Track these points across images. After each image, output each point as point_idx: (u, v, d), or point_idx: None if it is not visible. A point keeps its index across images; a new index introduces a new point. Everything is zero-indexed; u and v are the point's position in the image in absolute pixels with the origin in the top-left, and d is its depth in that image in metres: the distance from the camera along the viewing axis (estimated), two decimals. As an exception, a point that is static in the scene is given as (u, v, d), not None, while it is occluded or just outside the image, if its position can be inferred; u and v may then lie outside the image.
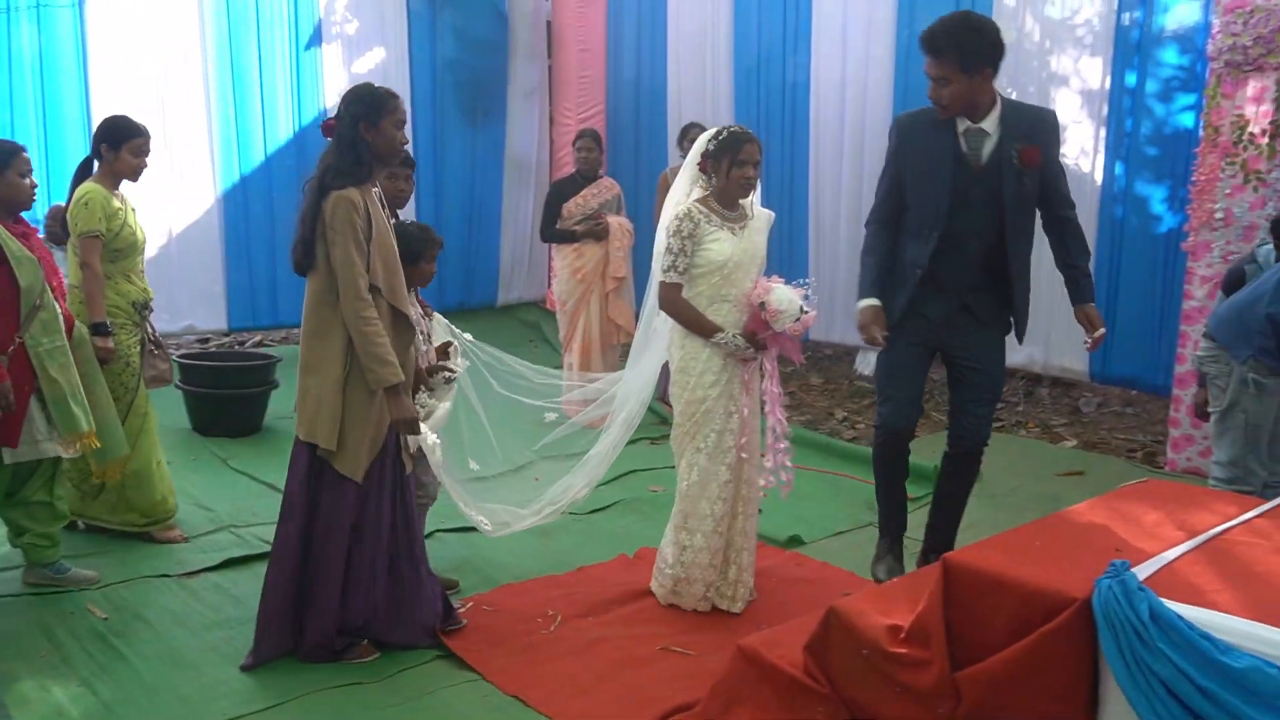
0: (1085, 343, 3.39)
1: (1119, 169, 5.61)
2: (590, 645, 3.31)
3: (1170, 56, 5.36)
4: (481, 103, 8.10)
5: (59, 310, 3.54)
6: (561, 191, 5.91)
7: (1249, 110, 4.55)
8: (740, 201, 3.57)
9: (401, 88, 7.66)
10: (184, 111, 6.86)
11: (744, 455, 3.55)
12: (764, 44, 7.19)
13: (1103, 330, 3.34)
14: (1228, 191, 4.66)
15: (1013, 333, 3.52)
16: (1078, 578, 2.34)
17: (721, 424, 3.51)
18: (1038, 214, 3.42)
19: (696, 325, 3.49)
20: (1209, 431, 3.77)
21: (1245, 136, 4.55)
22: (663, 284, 3.51)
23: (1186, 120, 5.30)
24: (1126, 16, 5.51)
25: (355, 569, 3.19)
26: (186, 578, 3.80)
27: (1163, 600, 2.17)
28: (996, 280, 3.39)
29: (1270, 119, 4.50)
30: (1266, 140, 4.50)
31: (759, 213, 3.63)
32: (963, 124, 3.28)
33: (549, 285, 8.38)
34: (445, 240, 8.43)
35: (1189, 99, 5.28)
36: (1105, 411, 5.99)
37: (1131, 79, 5.50)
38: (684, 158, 6.14)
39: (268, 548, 3.97)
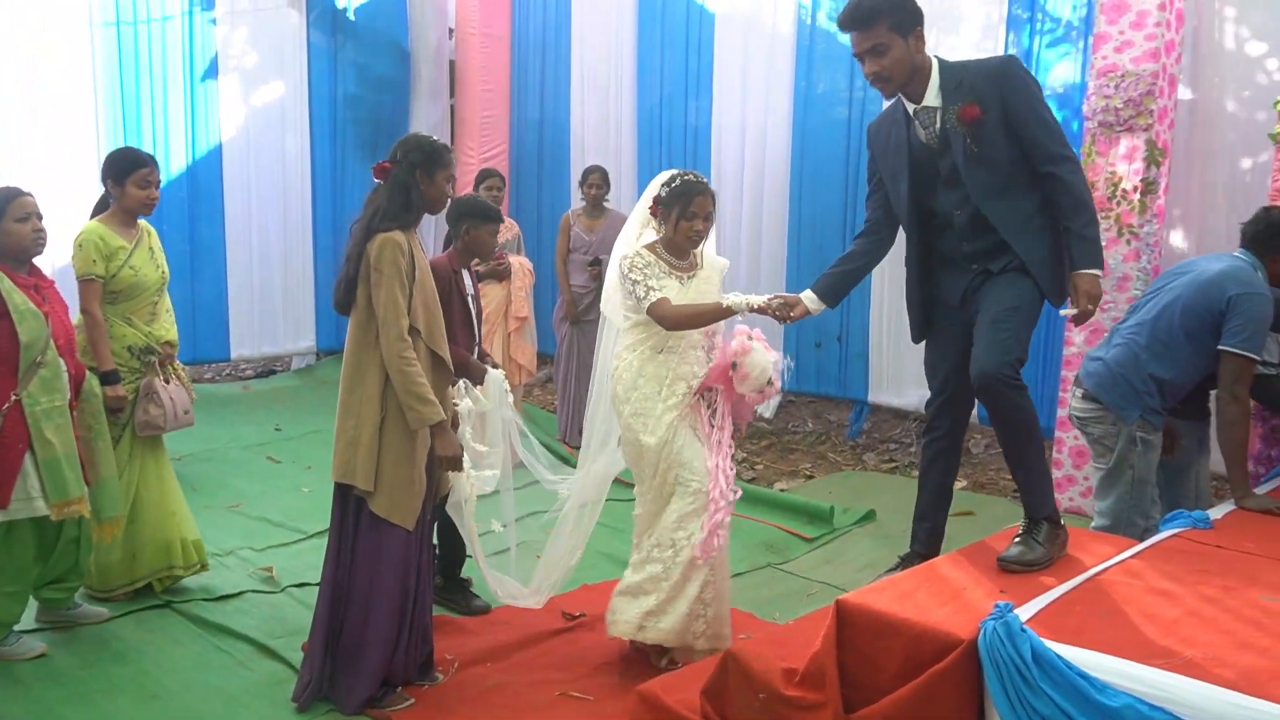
0: (1063, 314, 3.23)
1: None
2: (486, 693, 3.26)
3: (1052, 107, 5.62)
4: (382, 140, 8.03)
5: (63, 367, 3.38)
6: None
7: (1121, 168, 4.81)
8: (692, 253, 3.45)
9: (300, 122, 7.57)
10: (70, 142, 6.62)
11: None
12: (666, 88, 7.32)
13: (1078, 310, 3.14)
14: (1104, 244, 4.89)
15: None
16: (964, 619, 2.42)
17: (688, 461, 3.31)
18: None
19: (706, 315, 3.30)
20: (1089, 473, 3.90)
21: (1118, 192, 4.80)
22: (650, 309, 3.27)
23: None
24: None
25: (404, 618, 3.16)
26: (56, 630, 3.63)
27: (1044, 640, 2.25)
28: (999, 245, 3.22)
29: (1140, 176, 4.76)
30: (1138, 196, 4.76)
31: (710, 261, 3.50)
32: (910, 107, 3.25)
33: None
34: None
35: (1068, 154, 5.56)
36: (993, 453, 6.19)
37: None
38: (586, 198, 6.26)
39: (153, 600, 3.84)
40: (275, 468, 5.74)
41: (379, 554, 3.10)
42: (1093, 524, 3.79)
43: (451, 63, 8.28)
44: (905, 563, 3.45)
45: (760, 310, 3.30)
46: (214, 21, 7.16)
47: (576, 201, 6.64)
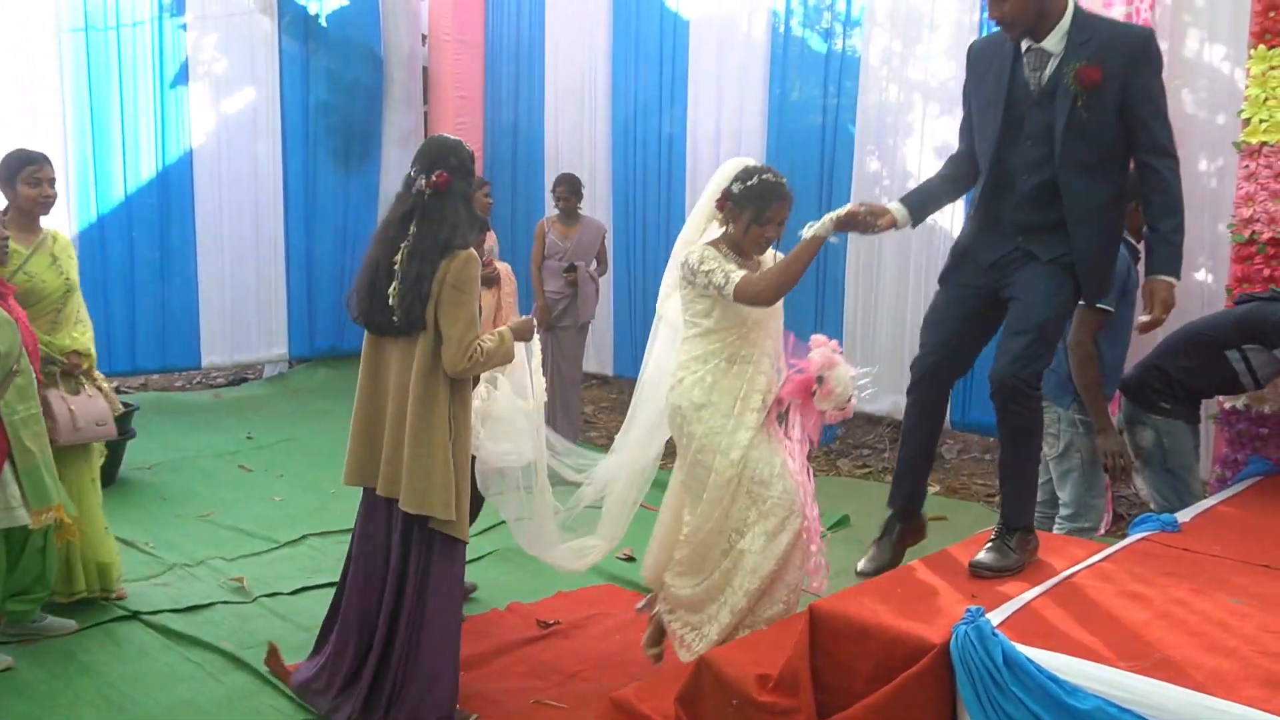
0: (1139, 322, 3.03)
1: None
2: (461, 702, 3.24)
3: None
4: (355, 146, 8.00)
5: (35, 376, 3.33)
6: None
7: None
8: (755, 255, 3.20)
9: (272, 129, 7.53)
10: (37, 147, 6.50)
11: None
12: (641, 96, 7.33)
13: (1151, 318, 2.92)
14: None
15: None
16: (937, 624, 2.43)
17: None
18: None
19: (798, 260, 2.98)
20: (1052, 477, 3.95)
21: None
22: (735, 291, 2.98)
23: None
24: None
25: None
26: (22, 644, 3.57)
27: (1015, 644, 2.27)
28: (1055, 224, 2.96)
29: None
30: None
31: (768, 258, 3.23)
32: (1025, 43, 2.94)
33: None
34: (316, 283, 8.25)
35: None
36: (966, 458, 6.24)
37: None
38: (558, 207, 6.25)
39: (119, 611, 3.79)
40: (247, 476, 5.70)
41: (453, 578, 3.09)
42: (1059, 514, 3.85)
43: (425, 69, 8.26)
44: (885, 530, 3.27)
45: (847, 219, 2.98)
46: (184, 27, 7.11)
47: (550, 209, 6.63)
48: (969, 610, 2.36)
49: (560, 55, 7.75)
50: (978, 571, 2.86)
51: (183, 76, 7.14)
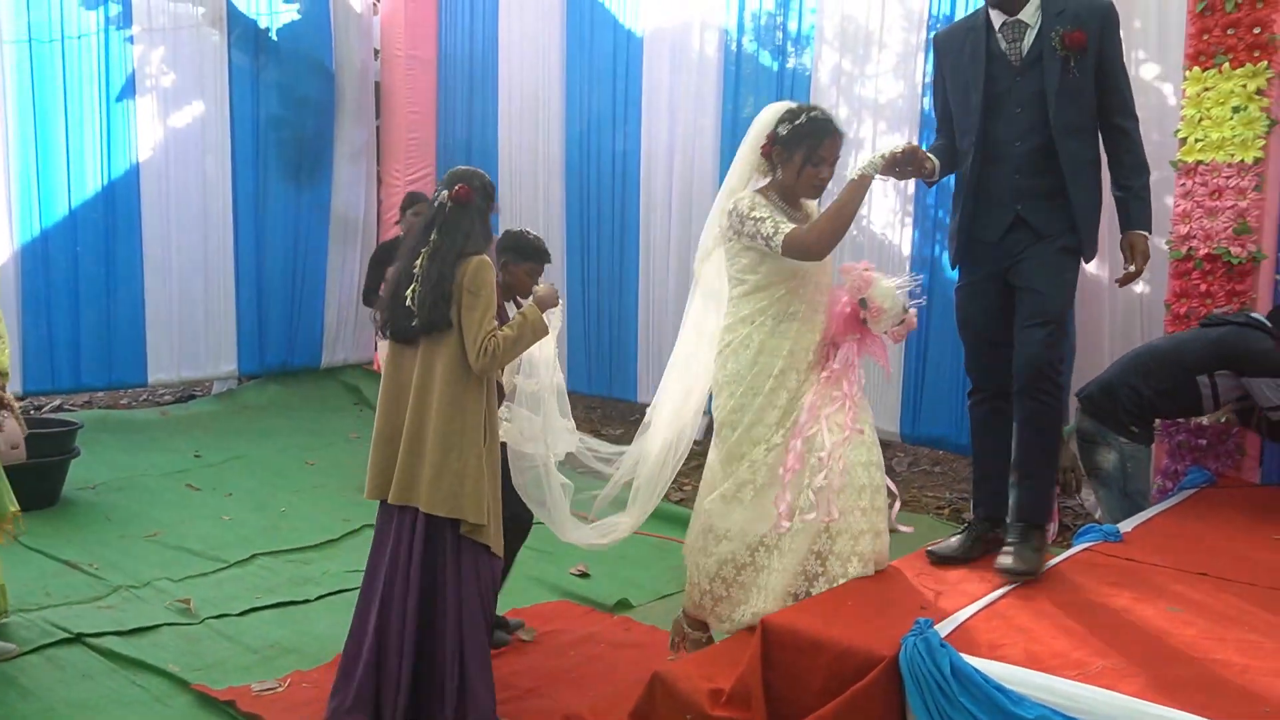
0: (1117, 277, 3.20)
1: (921, 240, 5.99)
2: None
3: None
4: (306, 161, 7.94)
5: None
6: (386, 255, 5.79)
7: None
8: (803, 203, 3.08)
9: (221, 143, 7.44)
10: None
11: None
12: (595, 112, 7.36)
13: (1133, 269, 3.10)
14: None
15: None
16: (886, 636, 2.46)
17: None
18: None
19: (847, 205, 2.89)
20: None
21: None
22: (784, 243, 2.86)
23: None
24: (927, 100, 5.93)
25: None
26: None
27: (962, 655, 2.30)
28: (1051, 188, 3.06)
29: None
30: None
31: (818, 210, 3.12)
32: (998, 19, 3.07)
33: (375, 347, 8.23)
34: (267, 298, 8.17)
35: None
36: (915, 470, 6.31)
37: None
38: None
39: (61, 634, 3.71)
40: (195, 495, 5.61)
41: (486, 587, 3.08)
42: None
43: (377, 84, 8.23)
44: (970, 530, 3.24)
45: (903, 158, 2.92)
46: (130, 40, 7.01)
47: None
48: (917, 622, 2.40)
49: (514, 72, 7.76)
50: (1012, 575, 2.88)
51: (129, 90, 7.03)
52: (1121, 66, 3.12)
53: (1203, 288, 4.28)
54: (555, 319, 3.26)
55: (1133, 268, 3.11)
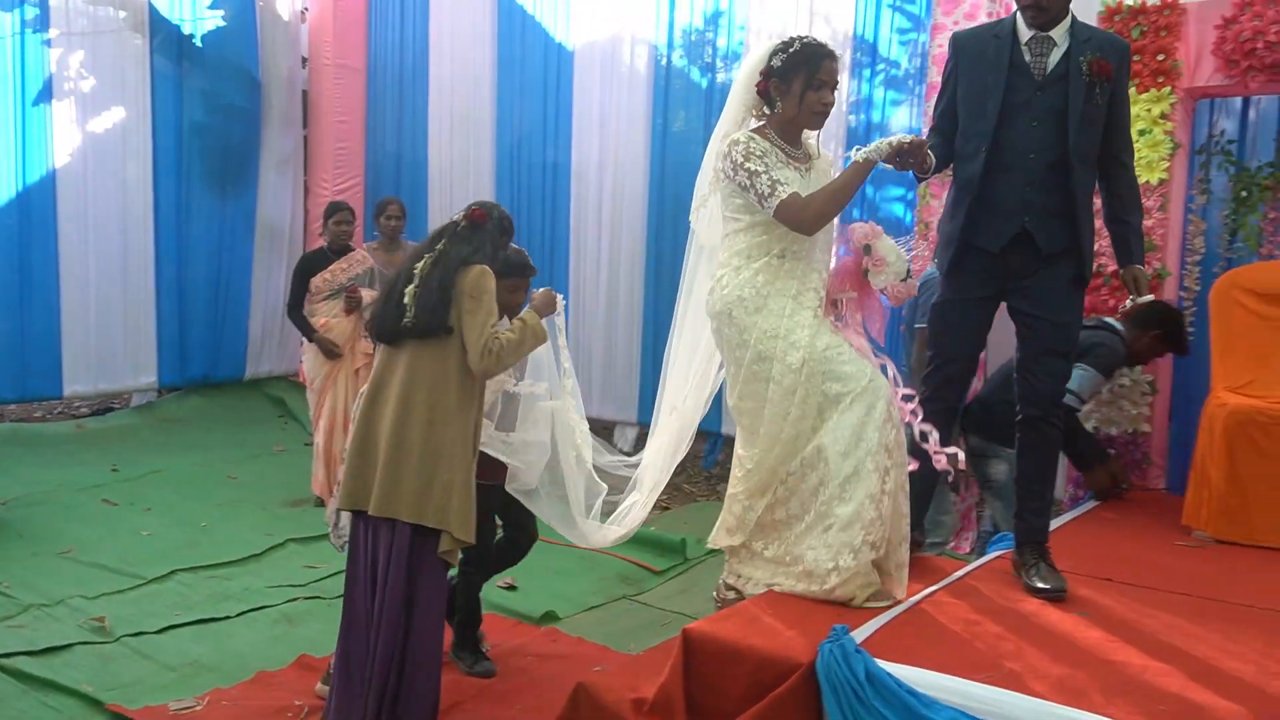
0: (1124, 306, 3.23)
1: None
2: (335, 738, 3.18)
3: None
4: (231, 170, 7.81)
5: None
6: (309, 266, 5.70)
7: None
8: (804, 138, 2.97)
9: (142, 150, 7.28)
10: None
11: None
12: (526, 124, 7.37)
13: (1150, 297, 3.15)
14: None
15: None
16: (804, 643, 2.51)
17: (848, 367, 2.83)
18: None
19: (847, 186, 2.82)
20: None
21: (950, 231, 5.08)
22: (779, 209, 2.78)
23: (898, 210, 5.87)
24: (853, 118, 6.06)
25: None
26: None
27: (877, 661, 2.36)
28: (1059, 207, 3.05)
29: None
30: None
31: (823, 153, 3.03)
32: (1027, 32, 3.06)
33: (301, 359, 8.12)
34: (189, 308, 7.99)
35: (899, 191, 5.86)
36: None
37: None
38: (383, 232, 5.93)
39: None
40: (111, 511, 5.47)
41: (444, 596, 3.08)
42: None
43: (304, 93, 8.13)
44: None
45: (910, 148, 2.80)
46: (48, 43, 6.83)
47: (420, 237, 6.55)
48: (834, 629, 2.46)
49: (445, 82, 7.73)
50: (1055, 595, 2.94)
51: (46, 94, 6.85)
52: (1128, 107, 3.20)
53: (1111, 303, 4.44)
54: (557, 323, 3.29)
55: (1140, 298, 3.15)
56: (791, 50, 2.89)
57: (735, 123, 3.01)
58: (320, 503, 5.57)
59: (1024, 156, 3.04)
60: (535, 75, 7.29)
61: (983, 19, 4.98)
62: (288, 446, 6.92)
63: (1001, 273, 3.11)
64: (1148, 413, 4.53)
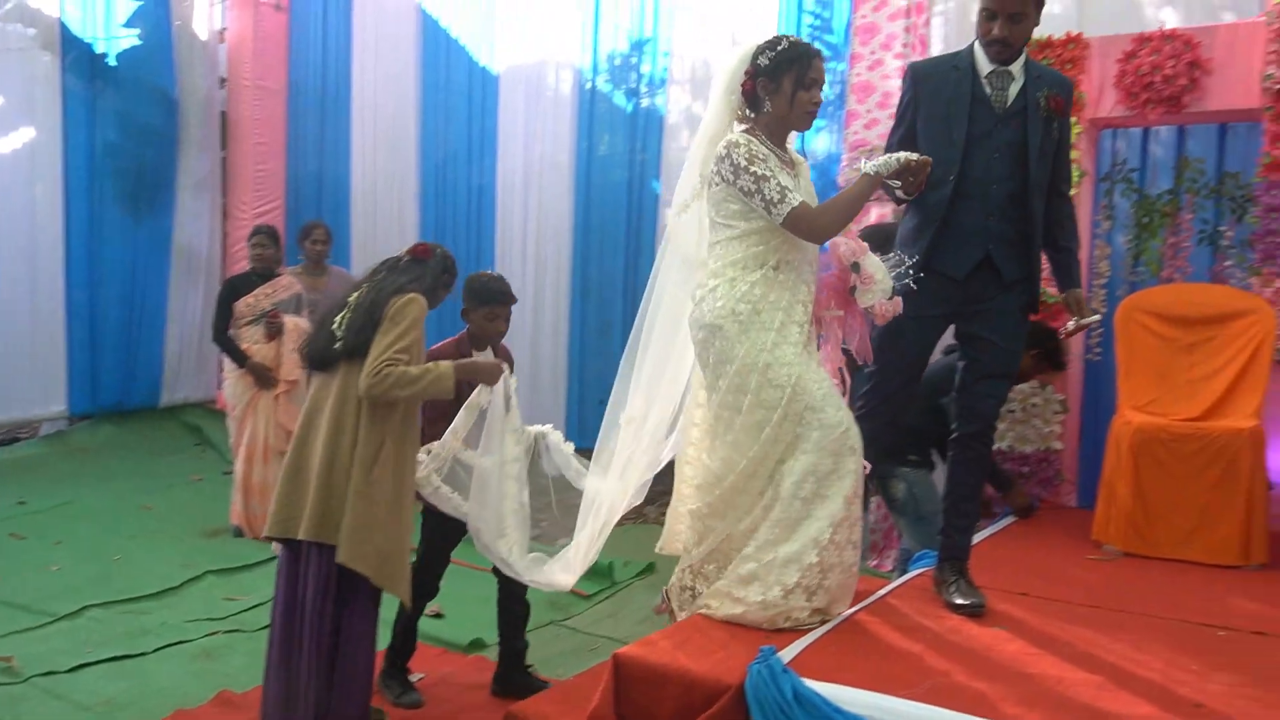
0: (1066, 328, 3.33)
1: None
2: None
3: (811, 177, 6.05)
4: (145, 192, 7.63)
5: None
6: (234, 289, 5.59)
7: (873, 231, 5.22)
8: (788, 144, 2.91)
9: (52, 171, 7.08)
10: None
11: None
12: (451, 146, 7.36)
13: (1095, 318, 3.28)
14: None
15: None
16: (732, 665, 2.53)
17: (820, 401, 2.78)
18: None
19: (857, 200, 2.78)
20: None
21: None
22: (789, 216, 2.71)
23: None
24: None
25: None
26: None
27: (804, 680, 2.40)
28: (1017, 236, 3.13)
29: (889, 241, 5.18)
30: (888, 259, 5.17)
31: (799, 158, 2.97)
32: (987, 66, 3.12)
33: (219, 385, 7.94)
34: (101, 335, 7.76)
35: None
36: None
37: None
38: (308, 256, 5.85)
39: None
40: (19, 545, 5.27)
41: (374, 624, 3.01)
42: None
43: (223, 114, 8.00)
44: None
45: (916, 167, 2.78)
46: (-48, 61, 6.63)
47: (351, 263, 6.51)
48: (762, 650, 2.49)
49: (367, 104, 7.69)
50: (972, 613, 3.01)
51: (-51, 113, 6.64)
52: (1070, 139, 3.33)
53: (1054, 324, 4.57)
54: (483, 395, 3.12)
55: (1083, 319, 3.27)
56: (780, 49, 2.83)
57: (722, 126, 2.92)
58: (239, 533, 5.45)
59: (986, 186, 3.10)
60: (460, 98, 7.29)
61: (898, 49, 5.15)
62: (205, 475, 6.75)
63: (959, 297, 3.15)
64: (1059, 430, 4.68)
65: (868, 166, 2.79)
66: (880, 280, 2.82)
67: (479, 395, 3.11)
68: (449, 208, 7.37)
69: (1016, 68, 3.15)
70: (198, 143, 7.87)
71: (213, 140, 7.98)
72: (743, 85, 2.87)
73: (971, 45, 3.20)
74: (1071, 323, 3.29)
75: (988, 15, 3.08)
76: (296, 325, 5.51)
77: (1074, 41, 4.63)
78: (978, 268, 3.12)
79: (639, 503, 3.27)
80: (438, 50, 7.38)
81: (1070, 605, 3.19)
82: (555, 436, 3.29)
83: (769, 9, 6.08)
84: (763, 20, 6.08)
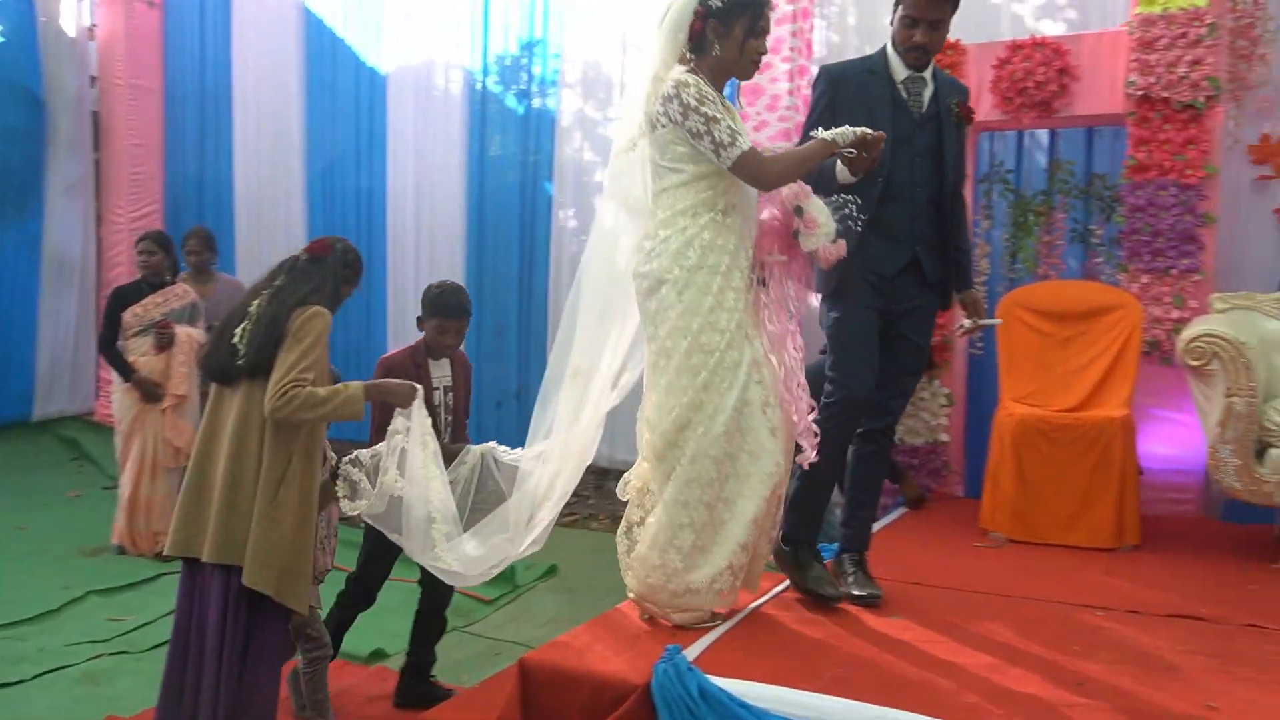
0: (961, 326, 3.44)
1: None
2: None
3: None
4: (12, 195, 7.26)
5: None
6: (122, 299, 5.30)
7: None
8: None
9: (-93, 174, 6.69)
10: None
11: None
12: (338, 148, 7.20)
13: (996, 322, 3.40)
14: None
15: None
16: (639, 665, 2.56)
17: (746, 376, 2.77)
18: None
19: (812, 158, 2.74)
20: None
21: (763, 256, 5.32)
22: (738, 159, 2.67)
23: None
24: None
25: None
26: None
27: (709, 677, 2.43)
28: (937, 239, 3.22)
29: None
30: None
31: (730, 105, 2.89)
32: (903, 72, 3.16)
33: (97, 396, 7.61)
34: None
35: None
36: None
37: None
38: (189, 264, 5.60)
39: None
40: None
41: (280, 643, 2.92)
42: None
43: (94, 114, 7.67)
44: (855, 566, 3.28)
45: (873, 141, 2.76)
46: None
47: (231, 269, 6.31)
48: (667, 649, 2.52)
49: (250, 105, 7.46)
50: (869, 603, 3.08)
51: None
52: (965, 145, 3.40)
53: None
54: (399, 422, 2.95)
55: (983, 321, 3.40)
56: None
57: (665, 64, 2.83)
58: (122, 551, 5.23)
59: (909, 189, 3.16)
60: (347, 99, 7.15)
61: (786, 52, 5.25)
62: (84, 491, 6.46)
63: (887, 294, 3.18)
64: (945, 423, 4.86)
65: (824, 134, 2.76)
66: (824, 224, 2.77)
67: (396, 422, 2.97)
68: (338, 211, 7.21)
69: (928, 74, 3.22)
70: (68, 144, 7.52)
71: (84, 142, 7.64)
72: (692, 24, 2.80)
73: (884, 50, 3.24)
74: (968, 322, 3.41)
75: (909, 22, 3.12)
76: (189, 336, 5.30)
77: (952, 48, 4.80)
78: (904, 269, 3.19)
79: (588, 460, 3.14)
80: (323, 49, 7.22)
81: (961, 592, 3.31)
82: (500, 451, 3.17)
83: (657, 13, 6.11)
84: (652, 24, 6.12)
